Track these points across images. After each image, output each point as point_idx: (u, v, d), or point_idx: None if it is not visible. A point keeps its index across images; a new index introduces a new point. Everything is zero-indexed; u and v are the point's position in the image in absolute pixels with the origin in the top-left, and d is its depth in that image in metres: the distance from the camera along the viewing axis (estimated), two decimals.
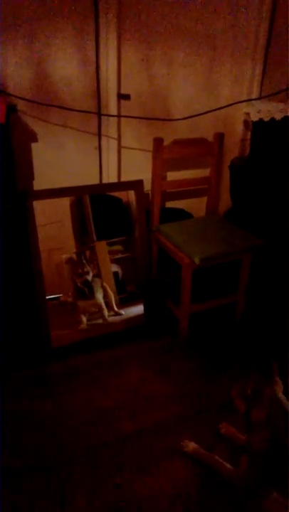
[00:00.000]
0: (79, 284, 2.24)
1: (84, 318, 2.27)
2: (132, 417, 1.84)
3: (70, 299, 2.27)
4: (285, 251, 2.31)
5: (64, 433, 1.76)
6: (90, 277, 2.25)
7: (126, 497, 1.51)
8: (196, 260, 2.06)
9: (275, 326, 2.37)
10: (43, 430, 1.77)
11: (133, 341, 2.29)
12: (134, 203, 2.30)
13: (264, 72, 2.46)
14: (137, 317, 2.38)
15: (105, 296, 2.32)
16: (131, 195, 2.30)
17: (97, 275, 2.30)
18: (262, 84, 2.49)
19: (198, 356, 2.21)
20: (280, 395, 1.41)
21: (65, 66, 2.09)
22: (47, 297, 2.18)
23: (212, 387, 2.00)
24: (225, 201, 2.70)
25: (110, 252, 2.34)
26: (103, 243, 2.31)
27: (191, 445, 1.67)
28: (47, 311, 2.16)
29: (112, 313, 2.34)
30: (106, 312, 2.30)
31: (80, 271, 2.23)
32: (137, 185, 2.25)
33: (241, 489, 1.46)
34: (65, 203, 2.19)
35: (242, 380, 1.46)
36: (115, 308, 2.35)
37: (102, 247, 2.31)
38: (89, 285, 2.25)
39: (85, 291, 2.26)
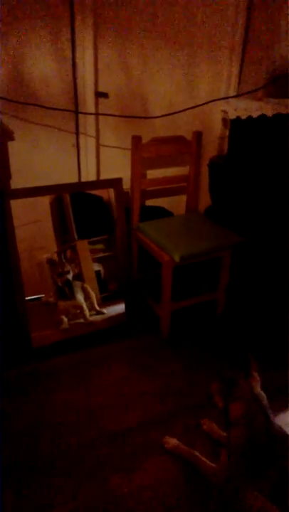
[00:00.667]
0: (60, 284, 2.23)
1: (65, 319, 2.26)
2: (114, 415, 1.84)
3: (52, 299, 2.26)
4: (266, 248, 2.34)
5: (47, 432, 1.75)
6: (70, 277, 2.24)
7: (109, 493, 1.51)
8: (176, 258, 2.07)
9: (255, 322, 2.40)
10: (25, 430, 1.75)
11: (115, 340, 2.29)
12: (114, 201, 2.30)
13: (241, 69, 2.48)
14: (119, 316, 2.37)
15: (87, 297, 2.30)
16: (111, 194, 2.30)
17: (79, 275, 2.29)
18: (239, 82, 2.51)
19: (180, 353, 2.21)
20: (258, 389, 1.43)
21: (42, 64, 2.08)
22: (29, 298, 2.15)
23: (195, 383, 2.01)
24: (205, 199, 2.72)
25: (92, 251, 2.33)
26: (84, 242, 2.31)
27: (172, 441, 1.67)
28: (26, 311, 2.13)
29: (93, 312, 2.33)
30: (87, 312, 2.29)
31: (60, 270, 2.22)
32: (116, 183, 2.24)
33: (218, 486, 1.46)
34: (44, 201, 2.17)
35: (221, 377, 1.48)
36: (97, 308, 2.34)
37: (83, 246, 2.31)
38: (70, 285, 2.24)
39: (66, 291, 2.24)
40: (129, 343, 2.28)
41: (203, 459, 1.58)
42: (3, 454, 1.64)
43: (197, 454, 1.60)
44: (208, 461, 1.56)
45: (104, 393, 1.95)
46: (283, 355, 2.15)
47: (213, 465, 1.54)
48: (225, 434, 1.60)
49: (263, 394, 1.44)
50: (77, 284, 2.28)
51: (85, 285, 2.30)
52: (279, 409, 1.83)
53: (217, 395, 1.49)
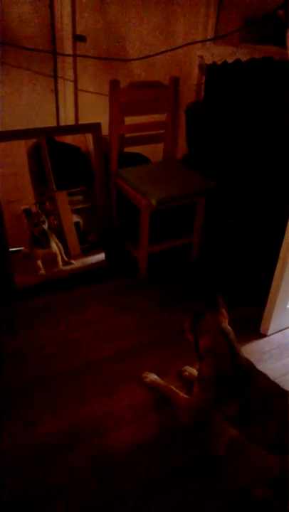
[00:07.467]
0: (36, 233, 2.25)
1: (41, 265, 2.29)
2: (94, 347, 1.96)
3: (29, 250, 2.29)
4: (240, 194, 2.43)
5: (31, 363, 1.86)
6: (46, 226, 2.26)
7: (88, 415, 1.65)
8: (153, 202, 2.14)
9: (226, 266, 2.53)
10: (11, 361, 1.86)
11: (95, 282, 2.38)
12: (93, 151, 2.29)
13: (219, 15, 2.48)
14: (99, 261, 2.45)
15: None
16: (90, 145, 2.30)
17: (58, 226, 2.32)
18: (216, 29, 2.51)
19: (155, 294, 2.33)
20: (225, 324, 1.49)
21: (19, 5, 2.04)
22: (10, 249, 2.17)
23: (169, 319, 2.15)
24: (182, 147, 2.77)
25: (71, 203, 2.35)
26: (63, 193, 2.32)
27: (150, 376, 1.77)
28: (9, 252, 2.18)
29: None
30: (60, 258, 2.33)
31: (36, 220, 2.23)
32: (94, 128, 2.25)
33: (188, 423, 1.58)
34: (22, 152, 2.14)
35: (190, 313, 1.56)
36: (65, 259, 2.38)
37: (62, 198, 2.33)
38: (45, 234, 2.26)
39: (42, 240, 2.27)
40: (108, 284, 2.38)
41: (177, 391, 1.68)
42: None
43: (172, 387, 1.70)
44: (182, 394, 1.66)
45: (85, 328, 2.07)
46: (251, 292, 2.31)
47: (187, 396, 1.64)
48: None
49: (229, 328, 1.49)
50: (51, 233, 2.31)
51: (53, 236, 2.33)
52: (247, 338, 2.03)
53: (189, 331, 1.55)
